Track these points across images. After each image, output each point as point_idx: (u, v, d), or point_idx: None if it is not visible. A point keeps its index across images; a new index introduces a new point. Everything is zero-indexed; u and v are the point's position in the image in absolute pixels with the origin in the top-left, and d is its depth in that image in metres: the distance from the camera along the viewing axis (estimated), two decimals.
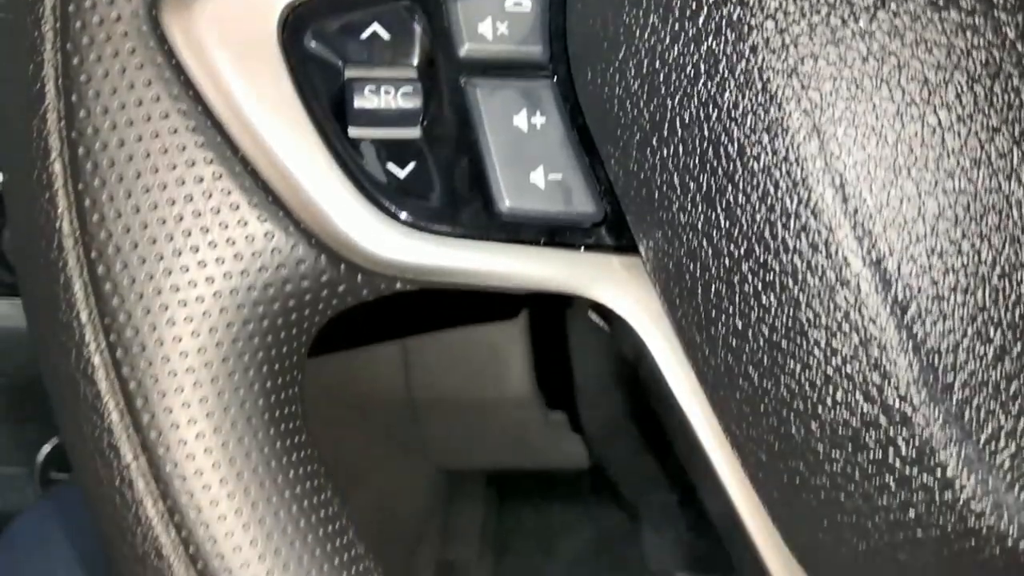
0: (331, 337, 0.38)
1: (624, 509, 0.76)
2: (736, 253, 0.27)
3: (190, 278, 0.29)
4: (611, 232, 0.31)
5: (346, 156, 0.29)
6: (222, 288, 0.29)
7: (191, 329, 0.29)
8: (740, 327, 0.28)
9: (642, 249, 0.30)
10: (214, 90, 0.29)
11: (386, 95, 0.30)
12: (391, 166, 0.30)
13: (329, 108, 0.29)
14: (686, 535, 0.64)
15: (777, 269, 0.27)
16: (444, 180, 0.30)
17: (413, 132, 0.30)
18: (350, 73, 0.30)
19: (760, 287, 0.27)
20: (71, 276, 0.29)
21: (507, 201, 0.30)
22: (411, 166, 0.30)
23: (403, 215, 0.30)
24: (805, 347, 0.27)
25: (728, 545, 0.33)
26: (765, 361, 0.27)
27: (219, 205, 0.29)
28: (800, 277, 0.26)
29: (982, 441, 0.26)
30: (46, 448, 0.61)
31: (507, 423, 0.63)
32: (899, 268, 0.26)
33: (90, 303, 0.29)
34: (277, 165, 0.29)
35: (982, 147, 0.26)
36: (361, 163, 0.30)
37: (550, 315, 0.60)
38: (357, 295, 0.31)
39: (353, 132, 0.30)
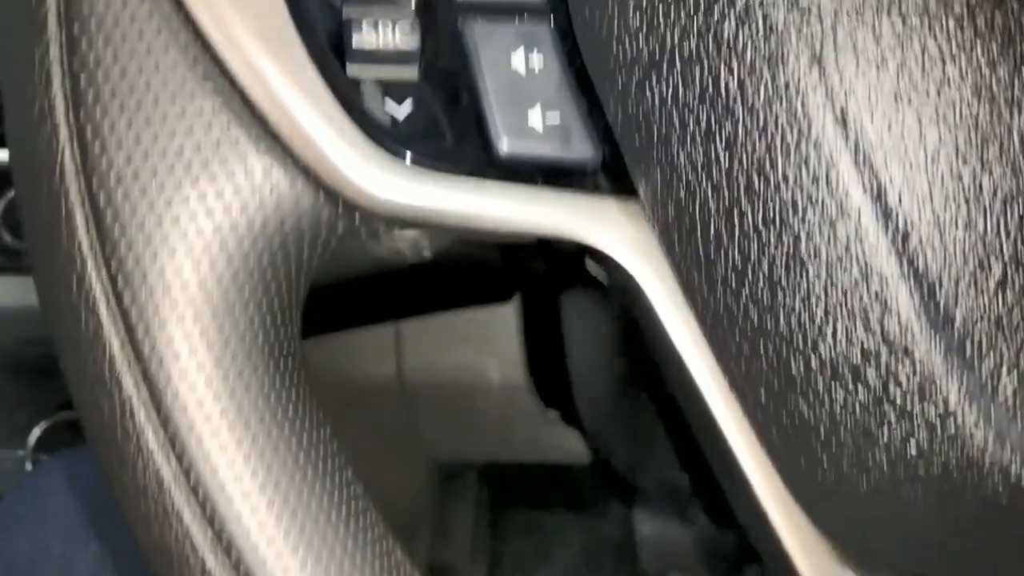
0: (323, 319, 0.38)
1: (622, 500, 0.76)
2: (736, 189, 0.27)
3: (191, 210, 0.29)
4: (609, 176, 0.31)
5: (345, 95, 0.29)
6: (222, 222, 0.29)
7: (192, 261, 0.29)
8: (740, 264, 0.27)
9: (641, 191, 0.30)
10: (213, 26, 0.29)
11: (384, 35, 0.30)
12: (389, 106, 0.30)
13: (328, 46, 0.29)
14: (686, 520, 0.63)
15: (777, 204, 0.27)
16: (442, 121, 0.30)
17: (411, 72, 0.30)
18: (348, 11, 0.30)
19: (760, 223, 0.27)
20: (72, 206, 0.29)
21: (505, 143, 0.30)
22: (409, 106, 0.30)
23: (401, 155, 0.30)
24: (806, 282, 0.27)
25: (729, 494, 0.33)
26: (765, 298, 0.27)
27: (219, 139, 0.29)
28: (801, 211, 0.26)
29: (984, 373, 0.26)
30: (36, 431, 0.61)
31: (502, 410, 0.63)
32: (900, 199, 0.26)
33: (91, 233, 0.29)
34: (276, 102, 0.29)
35: (982, 76, 0.26)
36: (359, 102, 0.30)
37: (541, 302, 0.60)
38: (356, 236, 0.31)
39: (351, 71, 0.30)
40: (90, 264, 0.29)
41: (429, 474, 0.76)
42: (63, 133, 0.29)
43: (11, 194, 0.55)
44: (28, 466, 0.62)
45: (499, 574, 0.85)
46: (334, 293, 0.42)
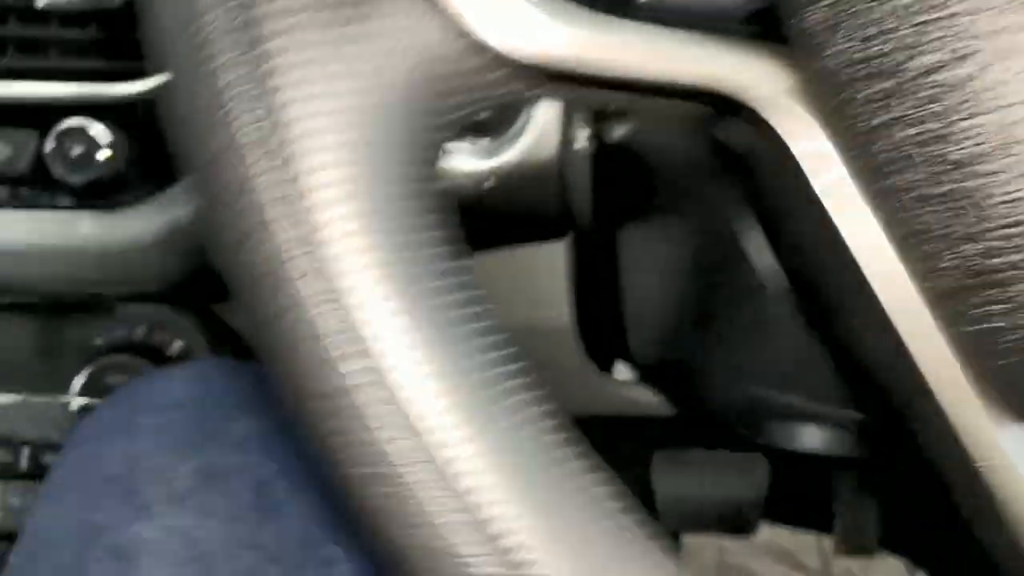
0: None
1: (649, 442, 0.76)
2: (906, 28, 0.26)
3: (327, 57, 0.28)
4: (760, 23, 0.30)
5: None
6: (362, 69, 0.28)
7: (334, 106, 0.28)
8: (911, 111, 0.27)
9: (797, 38, 0.29)
10: None
11: None
12: None
13: None
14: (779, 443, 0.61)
15: (953, 43, 0.26)
16: None
17: None
18: None
19: (938, 56, 0.26)
20: (222, 47, 0.28)
21: None
22: None
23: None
24: (977, 129, 0.26)
25: (883, 363, 0.32)
26: (934, 146, 0.26)
27: None
28: (975, 47, 0.26)
29: None
30: (80, 378, 0.59)
31: (549, 356, 0.62)
32: None
33: (239, 70, 0.28)
34: None
35: None
36: None
37: (594, 244, 0.59)
38: (495, 87, 0.30)
39: None
40: (237, 106, 0.28)
41: None
42: None
43: (63, 125, 0.54)
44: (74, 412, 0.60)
45: None
46: None
